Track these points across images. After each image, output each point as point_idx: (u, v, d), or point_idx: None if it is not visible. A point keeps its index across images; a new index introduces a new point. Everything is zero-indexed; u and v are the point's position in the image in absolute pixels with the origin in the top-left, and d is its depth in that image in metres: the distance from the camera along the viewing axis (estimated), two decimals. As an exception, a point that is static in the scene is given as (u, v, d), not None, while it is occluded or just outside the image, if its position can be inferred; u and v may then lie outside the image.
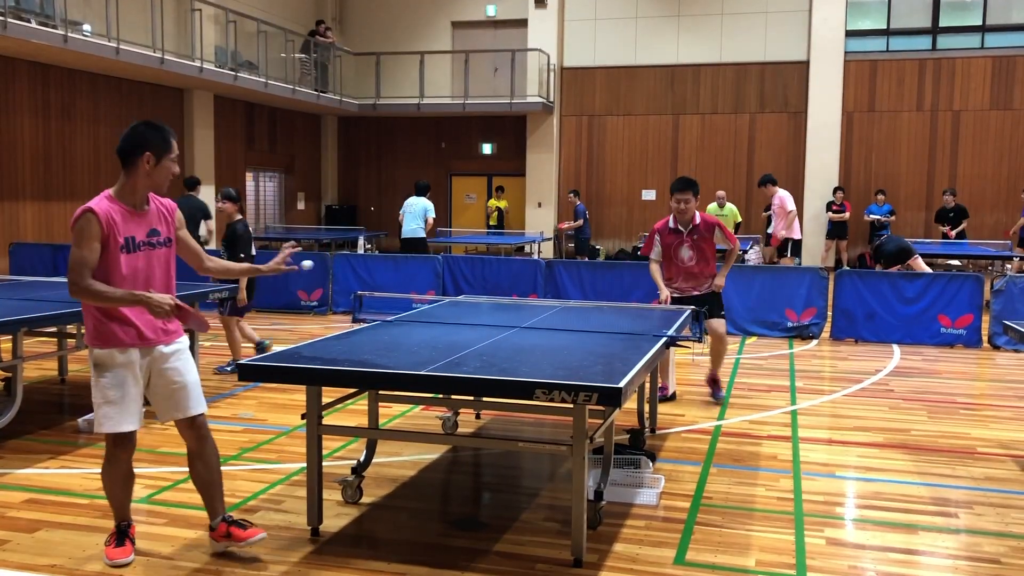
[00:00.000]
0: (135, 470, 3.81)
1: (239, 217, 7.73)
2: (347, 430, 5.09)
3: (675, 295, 6.56)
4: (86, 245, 3.47)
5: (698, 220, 6.51)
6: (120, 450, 3.66)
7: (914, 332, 9.56)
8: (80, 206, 3.54)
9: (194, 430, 3.73)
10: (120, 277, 3.54)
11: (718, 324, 6.67)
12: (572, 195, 16.50)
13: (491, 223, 19.12)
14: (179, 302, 3.55)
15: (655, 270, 6.62)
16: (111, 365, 3.57)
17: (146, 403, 3.72)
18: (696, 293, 6.56)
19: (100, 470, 3.74)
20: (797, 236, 13.03)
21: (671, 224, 6.57)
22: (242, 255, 7.43)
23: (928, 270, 10.74)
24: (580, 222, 16.07)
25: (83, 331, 6.24)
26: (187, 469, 3.83)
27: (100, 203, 3.54)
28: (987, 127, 18.08)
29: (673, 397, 6.82)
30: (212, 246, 11.96)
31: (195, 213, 11.08)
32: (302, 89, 18.21)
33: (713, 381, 6.88)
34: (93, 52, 12.80)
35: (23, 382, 5.59)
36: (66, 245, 12.50)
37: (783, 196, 12.76)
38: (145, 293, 3.50)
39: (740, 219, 15.18)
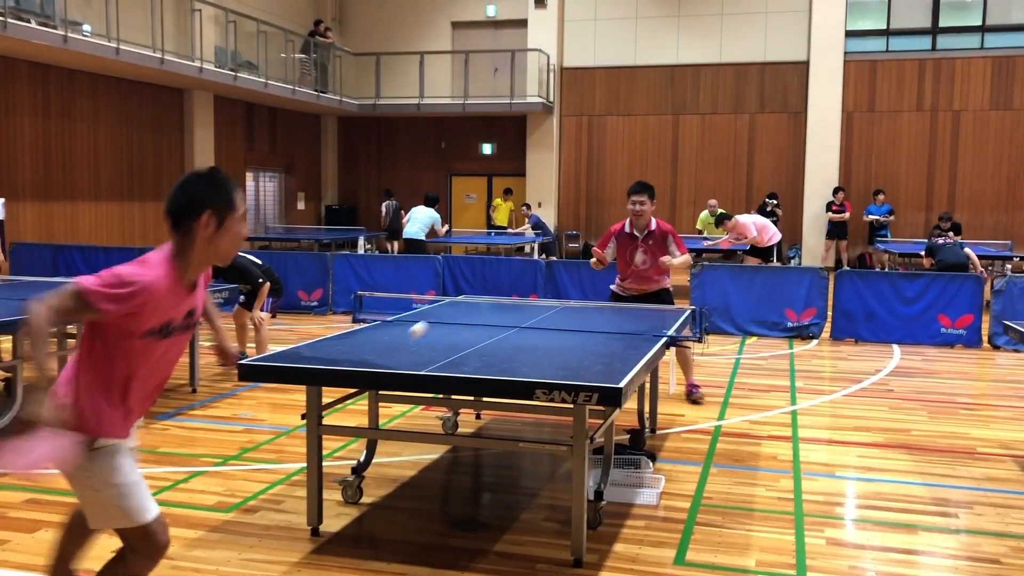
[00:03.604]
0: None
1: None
2: (347, 430, 5.09)
3: (625, 293, 6.65)
4: (104, 302, 2.50)
5: (653, 226, 6.52)
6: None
7: (914, 332, 9.56)
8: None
9: None
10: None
11: None
12: (524, 208, 17.89)
13: (493, 223, 19.16)
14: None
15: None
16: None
17: None
18: (646, 291, 6.59)
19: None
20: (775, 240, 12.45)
21: (627, 228, 6.58)
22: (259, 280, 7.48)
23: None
24: (526, 227, 17.38)
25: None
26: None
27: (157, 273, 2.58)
28: (987, 127, 18.08)
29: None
30: None
31: None
32: (302, 89, 18.21)
33: (689, 391, 6.80)
34: (93, 52, 12.80)
35: (23, 382, 5.58)
36: (68, 245, 12.50)
37: (745, 224, 12.05)
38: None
39: None
